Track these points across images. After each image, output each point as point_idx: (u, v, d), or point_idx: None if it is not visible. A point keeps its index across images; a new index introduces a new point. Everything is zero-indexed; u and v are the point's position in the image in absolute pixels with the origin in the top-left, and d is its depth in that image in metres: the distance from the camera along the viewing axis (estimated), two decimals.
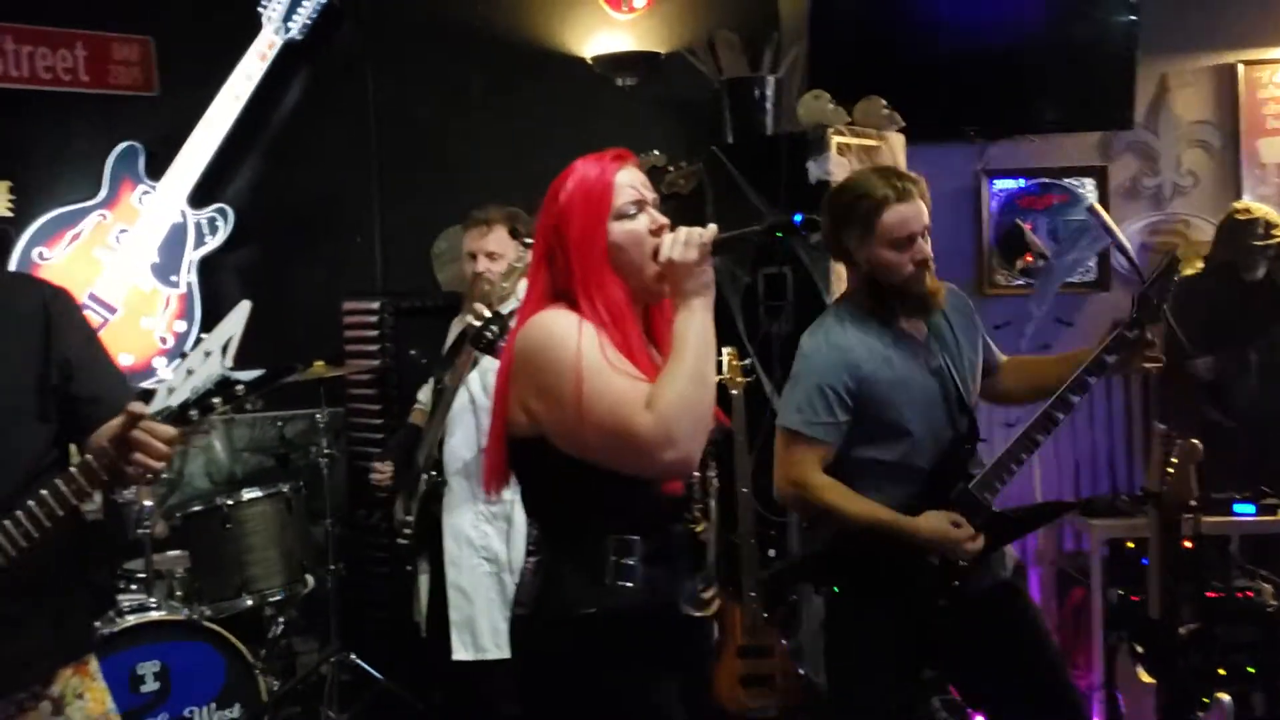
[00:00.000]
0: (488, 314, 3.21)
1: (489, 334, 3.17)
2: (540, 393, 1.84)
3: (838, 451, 2.54)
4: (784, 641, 3.65)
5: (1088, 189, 4.85)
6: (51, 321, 2.11)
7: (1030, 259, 4.75)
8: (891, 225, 2.49)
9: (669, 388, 1.79)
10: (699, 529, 1.97)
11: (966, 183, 4.81)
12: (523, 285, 3.43)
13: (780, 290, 3.95)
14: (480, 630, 3.40)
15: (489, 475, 1.98)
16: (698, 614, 1.94)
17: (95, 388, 2.13)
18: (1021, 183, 4.85)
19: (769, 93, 4.24)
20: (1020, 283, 4.81)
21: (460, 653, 3.41)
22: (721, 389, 3.41)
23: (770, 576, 3.63)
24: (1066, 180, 4.85)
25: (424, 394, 3.76)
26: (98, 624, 3.17)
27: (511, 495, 3.40)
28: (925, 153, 4.23)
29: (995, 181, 4.84)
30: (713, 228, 1.87)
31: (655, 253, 1.88)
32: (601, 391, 1.78)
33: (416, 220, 4.64)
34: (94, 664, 2.20)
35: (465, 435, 3.45)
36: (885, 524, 2.47)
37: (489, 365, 3.33)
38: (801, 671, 3.63)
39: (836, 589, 2.67)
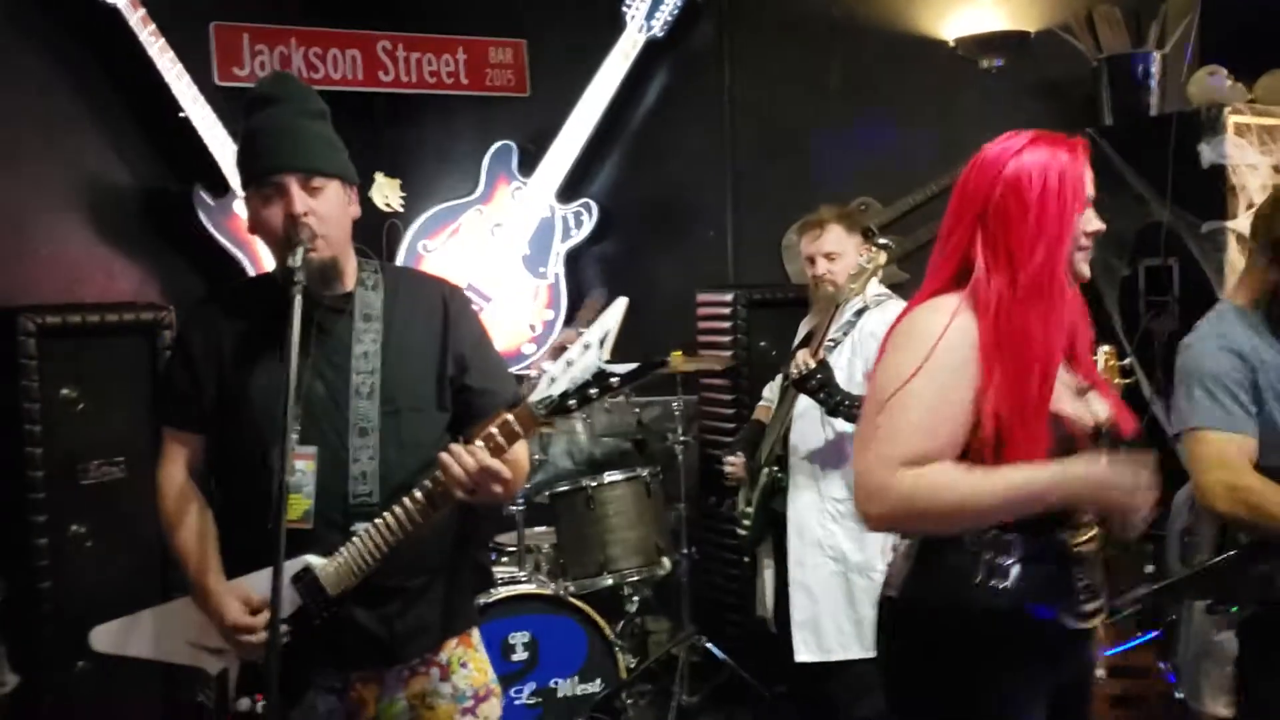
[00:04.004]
0: (812, 364, 3.18)
1: (813, 383, 3.15)
2: (877, 383, 1.81)
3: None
4: (1160, 664, 3.39)
5: None
6: (449, 317, 2.22)
7: None
8: None
9: (949, 489, 1.69)
10: (1083, 539, 1.85)
11: None
12: (872, 285, 3.38)
13: (1164, 284, 3.66)
14: (825, 631, 3.34)
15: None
16: (1077, 626, 1.84)
17: (485, 380, 2.23)
18: None
19: (1154, 70, 3.94)
20: None
21: (803, 653, 3.36)
22: None
23: (1156, 592, 3.37)
24: None
25: (769, 390, 3.77)
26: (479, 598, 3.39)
27: None
28: None
29: None
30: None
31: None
32: (898, 414, 1.72)
33: (769, 213, 4.67)
34: (476, 635, 2.32)
35: (811, 429, 3.40)
36: None
37: (836, 361, 3.28)
38: (1179, 696, 3.36)
39: (1235, 609, 2.43)
